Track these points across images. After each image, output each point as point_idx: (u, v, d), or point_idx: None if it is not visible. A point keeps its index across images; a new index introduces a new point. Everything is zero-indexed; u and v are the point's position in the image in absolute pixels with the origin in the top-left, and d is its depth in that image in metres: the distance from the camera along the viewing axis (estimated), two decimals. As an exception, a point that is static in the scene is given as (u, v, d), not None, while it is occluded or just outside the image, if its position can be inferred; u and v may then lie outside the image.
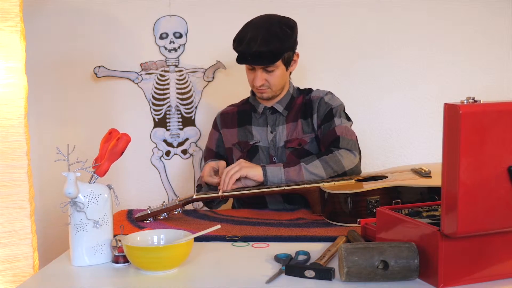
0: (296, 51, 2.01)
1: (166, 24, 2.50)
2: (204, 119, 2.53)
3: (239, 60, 1.93)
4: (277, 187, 1.79)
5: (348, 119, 2.01)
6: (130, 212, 1.85)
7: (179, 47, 2.51)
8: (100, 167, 1.38)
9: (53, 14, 2.49)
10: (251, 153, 2.01)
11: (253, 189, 1.78)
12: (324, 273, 1.19)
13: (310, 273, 1.20)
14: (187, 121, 2.53)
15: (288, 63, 1.96)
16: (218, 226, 1.38)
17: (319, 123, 1.98)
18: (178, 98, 2.52)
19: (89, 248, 1.34)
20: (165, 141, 2.54)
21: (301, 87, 2.12)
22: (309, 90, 2.08)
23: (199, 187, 2.02)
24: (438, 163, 1.88)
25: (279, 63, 1.92)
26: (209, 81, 2.52)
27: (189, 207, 2.52)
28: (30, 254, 1.82)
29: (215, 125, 2.14)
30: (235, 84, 2.50)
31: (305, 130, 1.99)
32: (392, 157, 2.53)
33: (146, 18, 2.50)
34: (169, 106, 2.52)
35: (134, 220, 1.72)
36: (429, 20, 2.50)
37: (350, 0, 2.49)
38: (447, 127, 1.07)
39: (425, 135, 2.52)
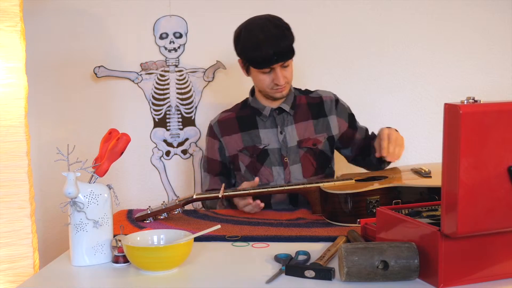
0: None
1: (166, 24, 2.50)
2: (204, 119, 2.53)
3: (264, 64, 1.89)
4: (277, 187, 1.79)
5: None
6: (130, 212, 1.85)
7: (179, 47, 2.51)
8: (100, 167, 1.38)
9: (53, 14, 2.49)
10: (261, 157, 1.99)
11: (253, 190, 1.78)
12: (324, 273, 1.19)
13: (310, 273, 1.20)
14: (187, 121, 2.53)
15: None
16: (218, 226, 1.38)
17: (347, 126, 2.05)
18: (178, 98, 2.52)
19: (89, 248, 1.34)
20: (165, 141, 2.54)
21: (302, 88, 2.13)
22: (309, 91, 2.09)
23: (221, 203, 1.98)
24: (438, 163, 1.88)
25: (292, 59, 1.95)
26: (209, 81, 2.52)
27: (189, 207, 2.53)
28: (30, 254, 1.82)
29: (212, 134, 2.07)
30: (235, 84, 2.50)
31: (317, 130, 2.00)
32: (392, 157, 2.53)
33: (146, 18, 2.50)
34: (169, 106, 2.52)
35: (134, 220, 1.73)
36: (430, 20, 2.50)
37: (350, 0, 2.49)
38: (447, 127, 1.07)
39: (425, 135, 2.52)
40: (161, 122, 2.53)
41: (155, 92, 2.52)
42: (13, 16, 1.79)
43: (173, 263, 1.28)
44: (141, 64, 2.51)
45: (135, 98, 2.52)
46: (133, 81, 2.51)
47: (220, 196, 1.77)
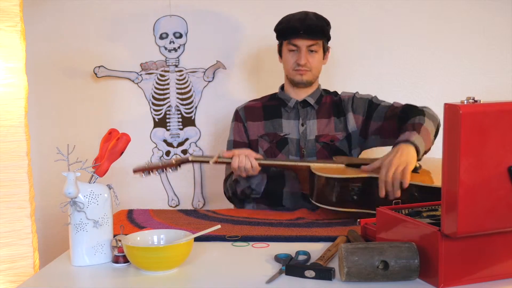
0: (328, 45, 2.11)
1: (166, 24, 2.50)
2: (204, 119, 2.53)
3: (290, 35, 1.99)
4: (270, 160, 1.88)
5: None
6: (130, 212, 1.85)
7: (179, 47, 2.51)
8: (100, 167, 1.38)
9: (53, 14, 2.49)
10: (280, 144, 2.05)
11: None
12: (324, 273, 1.19)
13: (310, 273, 1.20)
14: (187, 121, 2.53)
15: (325, 51, 2.07)
16: (218, 226, 1.38)
17: (363, 119, 2.04)
18: (178, 98, 2.52)
19: (89, 248, 1.34)
20: (165, 141, 2.54)
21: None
22: (336, 92, 2.15)
23: (236, 181, 2.00)
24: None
25: (321, 47, 2.03)
26: (209, 81, 2.52)
27: (189, 207, 2.53)
28: (30, 254, 1.82)
29: (238, 118, 2.14)
30: (235, 84, 2.50)
31: (337, 127, 2.05)
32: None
33: (146, 18, 2.50)
34: (169, 106, 2.52)
35: (133, 171, 1.86)
36: (430, 20, 2.50)
37: (350, 1, 2.49)
38: (447, 127, 1.07)
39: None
40: (161, 122, 2.53)
41: (155, 92, 2.52)
42: (13, 16, 1.79)
43: (173, 263, 1.28)
44: (141, 64, 2.51)
45: (135, 98, 2.52)
46: (133, 81, 2.51)
47: (213, 161, 1.83)
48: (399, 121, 1.90)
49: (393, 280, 1.15)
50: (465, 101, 1.07)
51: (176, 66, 2.51)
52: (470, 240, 1.13)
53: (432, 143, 1.82)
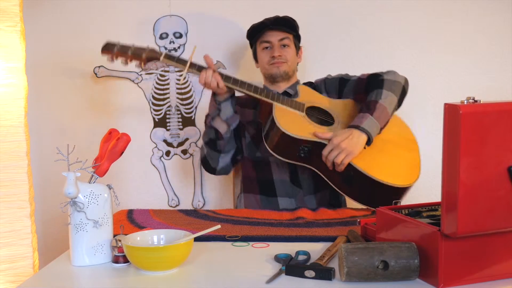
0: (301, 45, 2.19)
1: (166, 24, 2.50)
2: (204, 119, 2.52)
3: (260, 32, 2.08)
4: (250, 91, 1.94)
5: None
6: (130, 212, 1.85)
7: (179, 47, 2.51)
8: (100, 167, 1.38)
9: (53, 14, 2.49)
10: None
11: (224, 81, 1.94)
12: (324, 273, 1.19)
13: (310, 273, 1.20)
14: (187, 121, 2.53)
15: (297, 48, 2.15)
16: (218, 226, 1.38)
17: (336, 98, 2.08)
18: (178, 98, 2.52)
19: (89, 248, 1.34)
20: (165, 141, 2.54)
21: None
22: (311, 82, 2.20)
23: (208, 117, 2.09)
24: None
25: (292, 41, 2.11)
26: (209, 81, 2.52)
27: (189, 207, 2.53)
28: (30, 254, 1.82)
29: None
30: (235, 84, 2.50)
31: None
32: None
33: (146, 18, 2.50)
34: (169, 106, 2.52)
35: (101, 51, 1.94)
36: (430, 20, 2.50)
37: (350, 0, 2.49)
38: (447, 127, 1.07)
39: (425, 135, 2.52)
40: (161, 122, 2.53)
41: (155, 92, 2.52)
42: (13, 16, 1.79)
43: (173, 263, 1.28)
44: (141, 64, 2.51)
45: (135, 98, 2.52)
46: (133, 81, 2.51)
47: (186, 71, 1.92)
48: (366, 95, 2.01)
49: (393, 280, 1.15)
50: (465, 101, 1.07)
51: (176, 66, 2.51)
52: (470, 240, 1.13)
53: (394, 111, 1.95)
